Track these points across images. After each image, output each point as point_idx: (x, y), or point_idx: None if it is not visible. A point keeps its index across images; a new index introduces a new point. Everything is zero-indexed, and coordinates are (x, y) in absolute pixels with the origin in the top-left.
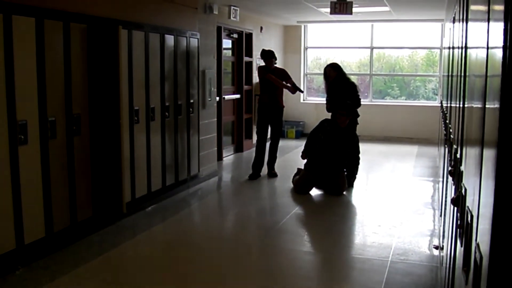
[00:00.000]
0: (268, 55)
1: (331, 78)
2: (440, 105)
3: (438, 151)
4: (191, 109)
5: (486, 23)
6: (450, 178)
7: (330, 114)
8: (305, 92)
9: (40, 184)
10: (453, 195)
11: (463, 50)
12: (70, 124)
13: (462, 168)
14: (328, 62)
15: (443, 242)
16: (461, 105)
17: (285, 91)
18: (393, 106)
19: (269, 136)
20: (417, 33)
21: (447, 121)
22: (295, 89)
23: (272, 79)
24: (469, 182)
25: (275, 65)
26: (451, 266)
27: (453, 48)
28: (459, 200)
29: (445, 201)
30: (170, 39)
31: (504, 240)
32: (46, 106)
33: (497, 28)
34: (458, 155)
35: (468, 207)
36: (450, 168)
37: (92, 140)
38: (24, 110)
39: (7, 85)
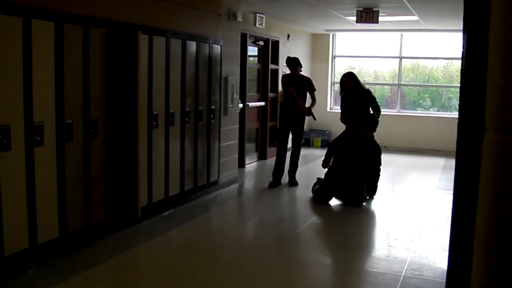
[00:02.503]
0: (293, 62)
1: (349, 88)
2: None
3: None
4: (212, 115)
5: None
6: None
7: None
8: (332, 101)
9: (55, 185)
10: None
11: None
12: (87, 127)
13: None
14: (361, 71)
15: None
16: None
17: (308, 98)
18: (422, 117)
19: (290, 145)
20: (452, 44)
21: None
22: (309, 112)
23: (293, 93)
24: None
25: (300, 73)
26: None
27: None
28: None
29: None
30: (192, 45)
31: None
32: (64, 109)
33: None
34: None
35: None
36: None
37: (109, 144)
38: (41, 112)
39: (25, 87)
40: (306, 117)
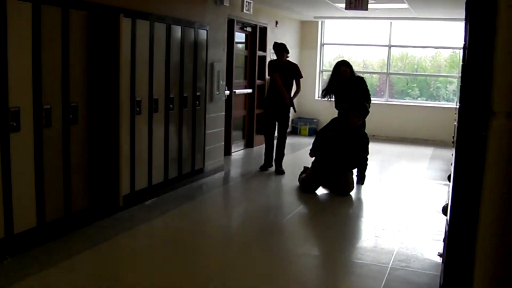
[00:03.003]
0: (279, 48)
1: (346, 76)
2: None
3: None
4: (197, 102)
5: None
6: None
7: (337, 112)
8: (320, 89)
9: (33, 172)
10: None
11: None
12: (67, 113)
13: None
14: (350, 60)
15: None
16: None
17: (295, 85)
18: (411, 106)
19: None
20: (441, 33)
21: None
22: (291, 103)
23: (278, 81)
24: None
25: (287, 59)
26: None
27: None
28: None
29: None
30: (177, 30)
31: None
32: (41, 94)
33: None
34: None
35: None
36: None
37: (89, 130)
38: (17, 97)
39: (0, 70)
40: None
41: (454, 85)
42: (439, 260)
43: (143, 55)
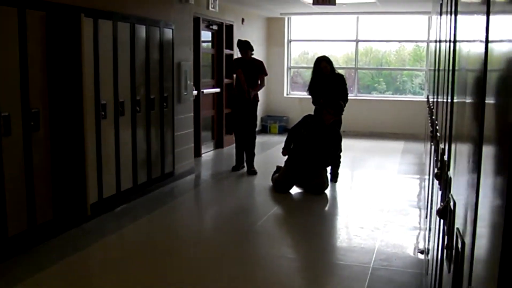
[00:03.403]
0: (243, 46)
1: (327, 72)
2: (426, 100)
3: (425, 148)
4: (165, 104)
5: (485, 16)
6: (436, 181)
7: (314, 109)
8: (289, 86)
9: None
10: (439, 202)
11: (452, 43)
12: (27, 120)
13: (450, 173)
14: (316, 56)
15: (428, 246)
16: (449, 100)
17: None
18: (379, 101)
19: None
20: (404, 27)
21: (433, 117)
22: (248, 94)
23: (240, 77)
24: (459, 194)
25: (252, 57)
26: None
27: (440, 41)
28: (446, 213)
29: (431, 202)
30: (141, 30)
31: None
32: None
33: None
34: (445, 157)
35: (458, 229)
36: (436, 171)
37: (52, 137)
38: None
39: None
40: (258, 102)
41: (420, 78)
42: (420, 257)
43: (107, 57)
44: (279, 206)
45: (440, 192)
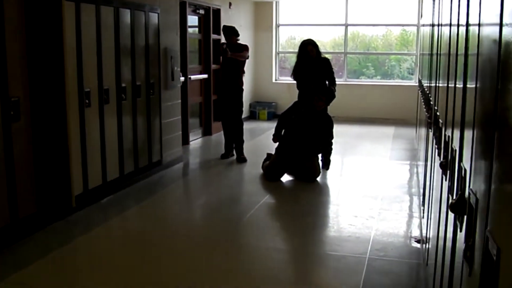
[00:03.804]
0: (229, 32)
1: (313, 55)
2: (417, 84)
3: (416, 133)
4: (151, 91)
5: None
6: (438, 170)
7: (297, 94)
8: (277, 72)
9: None
10: (445, 193)
11: (463, 27)
12: (7, 109)
13: (464, 164)
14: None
15: (427, 234)
16: (458, 85)
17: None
18: (369, 86)
19: None
20: (392, 11)
21: (431, 102)
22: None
23: (234, 55)
24: (481, 188)
25: (238, 42)
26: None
27: (440, 25)
28: (462, 209)
29: (429, 191)
30: (125, 14)
31: None
32: None
33: None
34: (454, 145)
35: (490, 237)
36: (441, 160)
37: (34, 127)
38: None
39: None
40: (244, 89)
41: (408, 63)
42: (416, 246)
43: (90, 42)
44: (270, 194)
45: (447, 183)
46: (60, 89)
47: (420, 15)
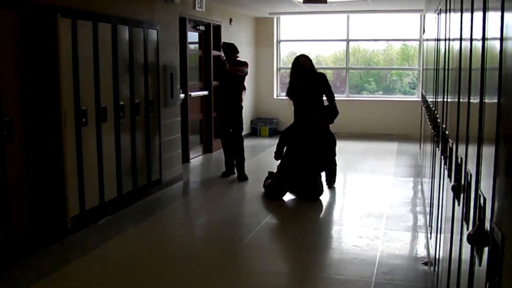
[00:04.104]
0: (228, 49)
1: (307, 68)
2: (420, 99)
3: (421, 149)
4: (150, 108)
5: None
6: (448, 191)
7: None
8: (278, 88)
9: None
10: (458, 217)
11: (479, 42)
12: (0, 129)
13: (484, 192)
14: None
15: (436, 257)
16: (474, 101)
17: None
18: (371, 101)
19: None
20: (393, 26)
21: (438, 118)
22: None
23: (233, 69)
24: (508, 224)
25: (237, 59)
26: None
27: (449, 40)
28: (481, 240)
29: (438, 211)
30: (124, 31)
31: None
32: None
33: None
34: (469, 169)
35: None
36: (453, 183)
37: (28, 147)
38: None
39: None
40: (243, 105)
41: (410, 77)
42: (424, 269)
43: (87, 60)
44: (272, 215)
45: (460, 208)
46: (55, 108)
47: (422, 30)
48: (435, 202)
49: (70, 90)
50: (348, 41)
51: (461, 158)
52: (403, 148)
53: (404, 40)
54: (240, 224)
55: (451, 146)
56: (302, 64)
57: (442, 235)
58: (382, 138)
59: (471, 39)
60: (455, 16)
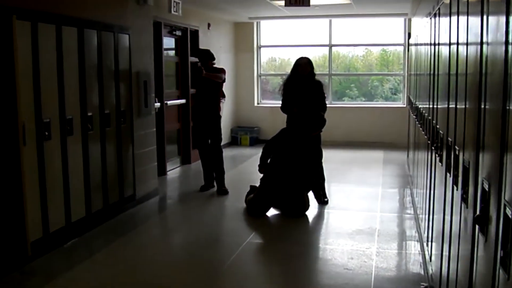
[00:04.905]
0: (203, 56)
1: (305, 73)
2: (405, 106)
3: (408, 157)
4: (122, 119)
5: None
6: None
7: (286, 118)
8: (259, 95)
9: None
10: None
11: (480, 45)
12: None
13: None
14: (284, 63)
15: (431, 282)
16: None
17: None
18: (354, 108)
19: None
20: (374, 31)
21: (438, 126)
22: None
23: (210, 75)
24: None
25: (214, 66)
26: None
27: (439, 44)
28: None
29: (440, 230)
30: (91, 35)
31: None
32: None
33: None
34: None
35: None
36: (477, 214)
37: None
38: None
39: None
40: (221, 113)
41: (391, 83)
42: None
43: (50, 67)
44: (255, 233)
45: (489, 245)
46: (11, 120)
47: (406, 35)
48: (436, 219)
49: (30, 100)
50: (330, 46)
51: (486, 186)
52: (390, 157)
53: (388, 45)
54: (220, 245)
55: (467, 166)
56: (301, 66)
57: (449, 261)
58: (367, 146)
59: (481, 43)
60: (462, 19)
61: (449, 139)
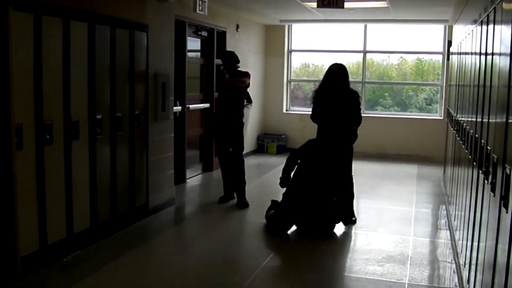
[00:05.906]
0: (228, 59)
1: (337, 80)
2: (444, 118)
3: (445, 173)
4: (136, 123)
5: None
6: None
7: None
8: (289, 101)
9: None
10: None
11: None
12: None
13: None
14: (317, 69)
15: None
16: None
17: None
18: (388, 118)
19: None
20: (409, 38)
21: (484, 142)
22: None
23: (233, 80)
24: None
25: (238, 69)
26: None
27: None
28: None
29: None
30: (104, 32)
31: None
32: None
33: None
34: None
35: None
36: None
37: None
38: None
39: None
40: (244, 122)
41: (426, 93)
42: None
43: (55, 65)
44: (274, 254)
45: None
46: (4, 122)
47: (446, 43)
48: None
49: (29, 100)
50: (365, 52)
51: None
52: (424, 172)
53: (424, 53)
54: (235, 266)
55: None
56: (333, 74)
57: None
58: (401, 159)
59: None
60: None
61: (507, 166)
